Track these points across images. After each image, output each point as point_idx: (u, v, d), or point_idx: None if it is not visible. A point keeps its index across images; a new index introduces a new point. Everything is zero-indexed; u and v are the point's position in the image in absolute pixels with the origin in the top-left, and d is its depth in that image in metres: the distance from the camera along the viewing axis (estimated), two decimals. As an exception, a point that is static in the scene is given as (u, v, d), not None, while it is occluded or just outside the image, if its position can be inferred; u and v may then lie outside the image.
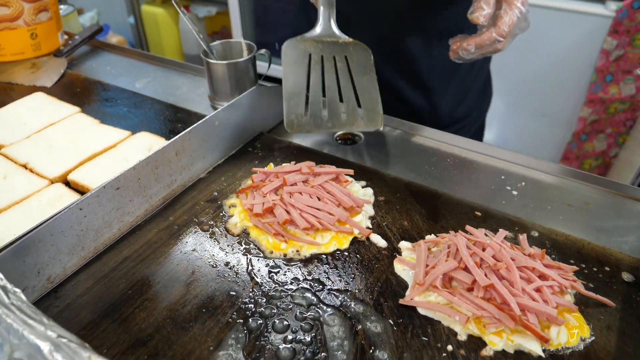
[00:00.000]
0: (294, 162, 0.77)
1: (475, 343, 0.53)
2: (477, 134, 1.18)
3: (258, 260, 0.63)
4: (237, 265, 0.62)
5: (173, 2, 0.94)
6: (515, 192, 0.75)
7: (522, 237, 0.64)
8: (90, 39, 1.26)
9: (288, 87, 0.80)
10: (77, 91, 1.07)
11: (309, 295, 0.58)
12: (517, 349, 0.52)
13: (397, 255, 0.64)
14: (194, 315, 0.56)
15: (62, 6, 1.37)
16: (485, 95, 1.16)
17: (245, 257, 0.64)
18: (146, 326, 0.55)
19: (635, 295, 0.59)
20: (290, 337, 0.53)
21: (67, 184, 0.78)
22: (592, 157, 2.13)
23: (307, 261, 0.63)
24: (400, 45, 0.98)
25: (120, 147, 0.84)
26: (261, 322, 0.55)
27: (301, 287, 0.59)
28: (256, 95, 0.85)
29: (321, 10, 0.83)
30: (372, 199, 0.73)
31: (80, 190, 0.76)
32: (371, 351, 0.52)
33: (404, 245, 0.65)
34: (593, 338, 0.54)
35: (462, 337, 0.53)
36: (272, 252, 0.64)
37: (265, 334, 0.54)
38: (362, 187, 0.75)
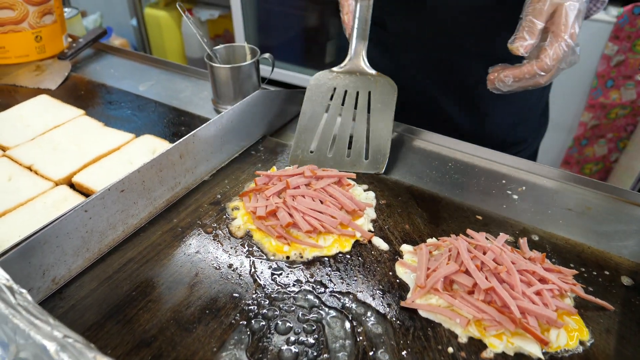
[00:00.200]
0: (296, 166, 0.78)
1: (476, 345, 0.53)
2: (530, 159, 1.13)
3: (261, 262, 0.64)
4: (240, 267, 0.63)
5: (177, 5, 0.95)
6: (516, 197, 0.76)
7: (523, 241, 0.65)
8: (94, 42, 1.27)
9: (303, 121, 0.83)
10: (81, 94, 1.08)
11: (311, 297, 0.59)
12: (517, 351, 0.53)
13: (398, 258, 0.64)
14: (198, 317, 0.56)
15: (66, 9, 1.38)
16: (542, 122, 1.11)
17: (248, 259, 0.64)
18: (150, 327, 0.55)
19: (635, 299, 0.59)
20: (292, 338, 0.54)
21: (72, 186, 0.78)
22: (593, 161, 2.14)
23: (309, 264, 0.64)
24: (456, 69, 0.96)
25: (124, 149, 0.85)
26: (264, 323, 0.56)
27: (303, 289, 0.60)
28: (259, 98, 0.86)
29: (353, 44, 0.84)
30: (374, 202, 0.74)
31: (84, 192, 0.77)
32: (372, 352, 0.52)
33: (405, 248, 0.65)
34: (592, 341, 0.54)
35: (462, 339, 0.54)
36: (274, 255, 0.65)
37: (268, 335, 0.54)
38: (364, 190, 0.76)
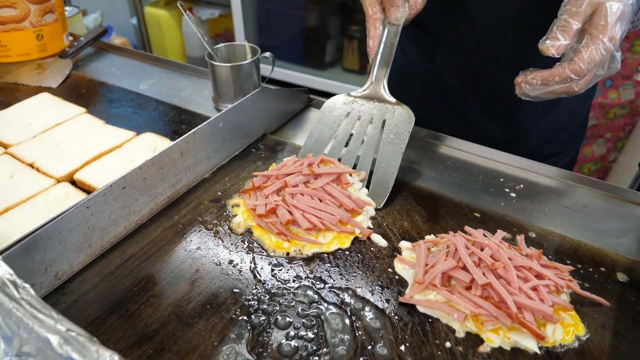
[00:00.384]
0: (295, 156, 0.78)
1: (473, 340, 0.54)
2: (566, 168, 1.10)
3: (261, 258, 0.64)
4: (241, 263, 0.64)
5: (178, 4, 0.96)
6: (513, 195, 0.77)
7: (520, 238, 0.65)
8: (95, 40, 1.28)
9: (308, 145, 0.81)
10: (82, 92, 1.09)
11: (310, 292, 0.60)
12: (514, 345, 0.53)
13: (397, 254, 0.65)
14: (199, 312, 0.57)
15: (67, 8, 1.38)
16: (582, 130, 1.05)
17: (249, 255, 0.65)
18: (152, 322, 0.56)
19: (630, 295, 0.60)
20: (292, 333, 0.55)
21: (73, 183, 0.79)
22: (591, 161, 2.15)
23: (309, 260, 0.64)
24: (490, 77, 0.92)
25: (126, 147, 0.86)
26: (264, 318, 0.56)
27: (303, 285, 0.61)
28: (260, 97, 0.86)
29: (375, 69, 0.81)
30: (372, 200, 0.74)
31: (86, 189, 0.77)
32: (371, 347, 0.53)
33: (404, 245, 0.66)
34: (588, 336, 0.55)
35: (460, 334, 0.55)
36: (274, 251, 0.65)
37: (268, 330, 0.55)
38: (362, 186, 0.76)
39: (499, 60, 0.89)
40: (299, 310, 0.57)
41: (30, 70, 1.16)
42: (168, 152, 0.72)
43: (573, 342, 0.54)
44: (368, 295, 0.59)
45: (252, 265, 0.63)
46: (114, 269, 0.63)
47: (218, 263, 0.64)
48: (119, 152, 0.84)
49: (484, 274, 0.56)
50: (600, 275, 0.63)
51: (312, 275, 0.62)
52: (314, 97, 1.02)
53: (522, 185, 0.79)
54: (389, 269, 0.63)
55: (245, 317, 0.56)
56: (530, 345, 0.53)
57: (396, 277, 0.62)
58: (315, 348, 0.53)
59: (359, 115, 0.81)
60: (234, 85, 0.95)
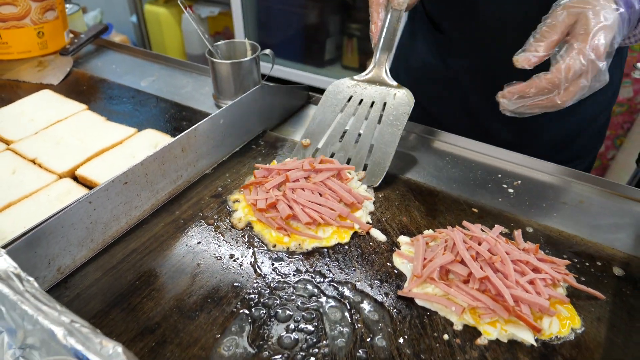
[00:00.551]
0: (296, 158, 0.79)
1: (471, 333, 0.55)
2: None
3: (262, 253, 0.65)
4: (241, 257, 0.64)
5: (179, 2, 0.96)
6: (511, 190, 0.78)
7: (517, 233, 0.66)
8: (96, 37, 1.28)
9: (312, 126, 0.83)
10: (83, 89, 1.09)
11: (310, 286, 0.60)
12: (511, 338, 0.54)
13: (396, 249, 0.66)
14: (200, 305, 0.58)
15: (67, 5, 1.39)
16: (601, 135, 1.02)
17: (249, 250, 0.66)
18: (154, 315, 0.57)
19: (625, 288, 0.61)
20: (292, 325, 0.55)
21: (75, 179, 0.80)
22: (590, 158, 2.15)
23: (309, 254, 0.65)
24: (502, 82, 0.90)
25: (127, 143, 0.87)
26: (264, 311, 0.57)
27: (303, 279, 0.61)
28: (260, 94, 0.87)
29: (378, 53, 0.83)
30: (372, 195, 0.75)
31: (88, 185, 0.78)
32: (370, 339, 0.54)
33: (402, 239, 0.67)
34: (584, 329, 0.56)
35: (458, 327, 0.56)
36: (275, 246, 0.66)
37: (269, 322, 0.56)
38: (363, 184, 0.77)
39: (511, 63, 0.88)
40: (299, 303, 0.58)
41: (31, 68, 1.16)
42: (169, 148, 0.72)
43: (569, 334, 0.55)
44: (367, 289, 0.60)
45: (253, 260, 0.64)
46: (116, 263, 0.64)
47: (219, 257, 0.64)
48: (120, 149, 0.85)
49: (481, 268, 0.57)
50: (596, 269, 0.63)
51: (311, 270, 0.63)
52: (313, 94, 1.03)
53: (519, 181, 0.79)
54: (388, 263, 0.64)
55: (246, 311, 0.57)
56: (527, 337, 0.54)
57: (395, 271, 0.63)
58: (315, 340, 0.54)
59: (361, 99, 0.83)
60: (234, 82, 0.96)
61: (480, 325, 0.55)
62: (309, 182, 0.71)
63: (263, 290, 0.60)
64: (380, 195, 0.76)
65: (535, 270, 0.58)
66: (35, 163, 0.82)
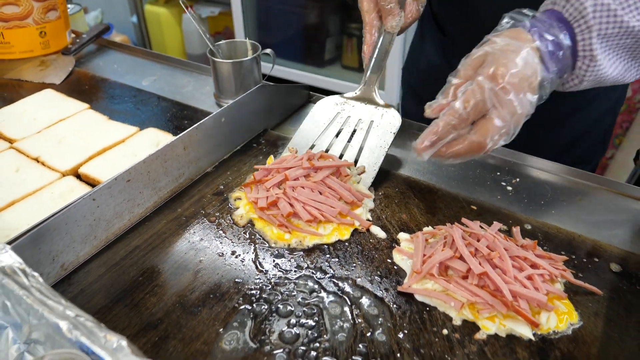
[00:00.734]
0: (295, 151, 0.80)
1: (470, 327, 0.56)
2: None
3: (263, 249, 0.66)
4: (243, 254, 0.65)
5: (180, 1, 0.97)
6: (510, 188, 0.78)
7: (516, 230, 0.67)
8: (97, 37, 1.29)
9: (297, 139, 0.84)
10: (85, 88, 1.10)
11: (311, 282, 0.61)
12: (509, 333, 0.55)
13: (396, 245, 0.66)
14: (202, 301, 0.59)
15: (69, 5, 1.39)
16: (602, 143, 1.02)
17: (251, 246, 0.66)
18: (156, 310, 0.58)
19: (622, 284, 0.61)
20: (293, 320, 0.56)
21: (78, 177, 0.80)
22: (589, 158, 2.16)
23: (309, 251, 0.66)
24: None
25: (129, 142, 0.87)
26: (266, 307, 0.58)
27: (304, 275, 0.62)
28: (260, 93, 0.88)
29: (368, 74, 0.84)
30: (372, 193, 0.76)
31: (90, 183, 0.79)
32: (370, 334, 0.55)
33: (402, 236, 0.68)
34: (581, 324, 0.56)
35: (457, 322, 0.56)
36: (276, 243, 0.67)
37: (270, 318, 0.57)
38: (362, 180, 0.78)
39: None
40: (300, 299, 0.59)
41: (33, 67, 1.17)
42: (171, 146, 0.73)
43: (567, 329, 0.56)
44: (367, 285, 0.61)
45: (254, 256, 0.65)
46: (119, 260, 0.65)
47: (221, 254, 0.65)
48: (122, 147, 0.86)
49: (480, 264, 0.58)
50: (593, 265, 0.64)
51: (312, 266, 0.63)
52: (313, 94, 1.03)
53: (518, 179, 0.80)
54: (388, 260, 0.65)
55: (247, 306, 0.58)
56: (525, 332, 0.54)
57: (395, 267, 0.64)
58: (315, 335, 0.55)
59: (348, 116, 0.84)
60: (235, 82, 0.97)
61: (479, 320, 0.56)
62: (308, 181, 0.72)
63: (264, 286, 0.61)
64: (380, 193, 0.76)
65: (533, 266, 0.59)
66: (38, 161, 0.83)
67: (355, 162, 0.80)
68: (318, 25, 2.71)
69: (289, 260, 0.64)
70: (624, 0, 0.58)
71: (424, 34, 1.08)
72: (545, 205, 0.75)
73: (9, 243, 0.55)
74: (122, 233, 0.69)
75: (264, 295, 0.59)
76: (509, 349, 0.54)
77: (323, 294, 0.59)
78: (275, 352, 0.53)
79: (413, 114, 0.97)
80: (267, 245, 0.67)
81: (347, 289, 0.60)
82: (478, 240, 0.61)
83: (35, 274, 0.50)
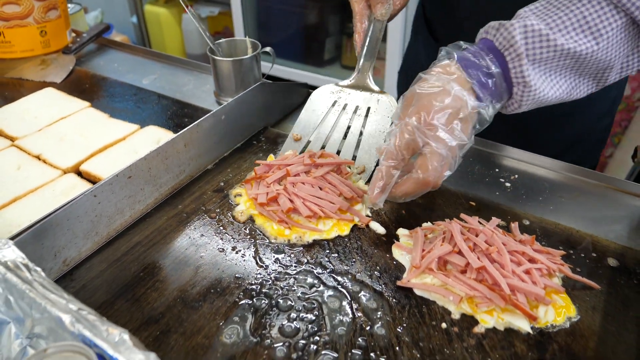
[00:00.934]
0: (295, 151, 0.81)
1: (468, 321, 0.56)
2: None
3: (263, 245, 0.66)
4: (243, 249, 0.66)
5: (180, 0, 0.97)
6: (508, 184, 0.79)
7: (514, 225, 0.67)
8: (98, 36, 1.30)
9: (297, 130, 0.85)
10: (86, 87, 1.10)
11: (311, 277, 0.62)
12: (507, 326, 0.55)
13: (395, 241, 0.67)
14: (203, 296, 0.59)
15: (69, 5, 1.40)
16: (601, 142, 1.02)
17: (251, 242, 0.67)
18: (158, 305, 0.58)
19: (620, 279, 0.62)
20: (293, 315, 0.57)
21: (79, 174, 0.81)
22: (588, 156, 2.17)
23: (309, 246, 0.66)
24: None
25: (130, 139, 0.88)
26: (266, 301, 0.58)
27: (304, 270, 0.63)
28: (260, 91, 0.88)
29: (361, 61, 0.85)
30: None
31: (92, 180, 0.79)
32: (369, 328, 0.55)
33: (401, 232, 0.68)
34: (579, 317, 0.57)
35: (455, 315, 0.57)
36: (276, 238, 0.67)
37: (270, 312, 0.57)
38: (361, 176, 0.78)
39: None
40: (300, 294, 0.59)
41: (34, 66, 1.17)
42: (172, 143, 0.73)
43: (564, 322, 0.56)
44: (367, 280, 0.61)
45: (255, 252, 0.65)
46: (121, 256, 0.65)
47: (221, 250, 0.66)
48: (123, 145, 0.86)
49: (478, 258, 0.58)
50: (591, 260, 0.65)
51: (312, 261, 0.64)
52: (313, 92, 1.04)
53: (516, 176, 0.81)
54: (387, 255, 0.65)
55: (248, 301, 0.59)
56: (523, 325, 0.55)
57: (394, 262, 0.64)
58: (315, 329, 0.55)
59: (345, 104, 0.85)
60: (235, 80, 0.97)
61: (477, 314, 0.56)
62: (309, 177, 0.73)
63: (265, 281, 0.61)
64: (379, 190, 0.77)
65: (531, 260, 0.60)
66: (40, 159, 0.83)
67: (358, 145, 0.81)
68: (318, 25, 2.71)
69: (289, 256, 0.65)
70: (555, 25, 0.60)
71: (418, 39, 1.08)
72: (543, 201, 0.75)
73: (12, 238, 0.56)
74: (124, 229, 0.69)
75: (264, 290, 0.60)
76: (507, 343, 0.54)
77: (323, 289, 0.60)
78: (275, 345, 0.53)
79: None
80: (267, 240, 0.67)
81: (347, 283, 0.61)
82: (476, 236, 0.62)
83: (38, 268, 0.51)
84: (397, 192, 0.64)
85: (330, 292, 0.60)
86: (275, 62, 1.05)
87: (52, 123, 0.93)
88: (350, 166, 0.78)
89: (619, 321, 0.57)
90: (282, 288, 0.60)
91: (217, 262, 0.64)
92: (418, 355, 0.53)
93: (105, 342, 0.43)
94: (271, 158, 0.83)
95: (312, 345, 0.53)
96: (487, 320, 0.56)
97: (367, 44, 0.84)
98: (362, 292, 0.60)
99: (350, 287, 0.60)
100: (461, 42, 0.67)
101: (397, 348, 0.53)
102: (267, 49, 1.01)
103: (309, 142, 0.84)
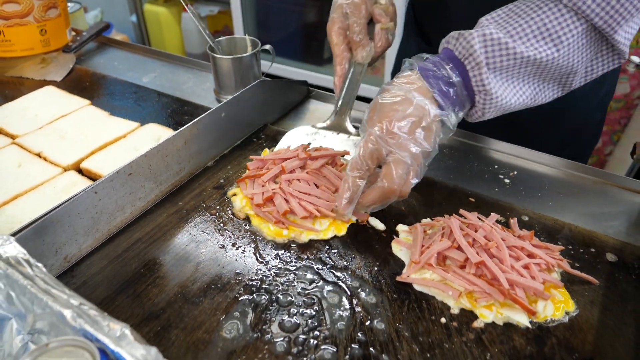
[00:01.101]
0: (289, 146, 0.80)
1: (467, 316, 0.57)
2: None
3: (263, 241, 0.67)
4: (244, 246, 0.66)
5: (180, -1, 0.98)
6: (507, 181, 0.79)
7: (513, 221, 0.68)
8: (98, 35, 1.30)
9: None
10: (86, 85, 1.11)
11: (310, 273, 0.62)
12: (506, 321, 0.56)
13: (394, 237, 0.67)
14: (204, 291, 0.59)
15: (69, 4, 1.40)
16: (594, 137, 1.03)
17: (251, 238, 0.67)
18: (158, 301, 0.58)
19: (618, 274, 0.62)
20: (293, 310, 0.57)
21: (80, 171, 0.81)
22: (588, 154, 2.17)
23: (309, 243, 0.67)
24: None
25: (130, 137, 0.88)
26: (266, 297, 0.59)
27: (304, 266, 0.63)
28: (260, 88, 0.88)
29: (339, 104, 0.84)
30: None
31: (92, 177, 0.79)
32: (369, 322, 0.55)
33: (401, 227, 0.68)
34: (577, 312, 0.57)
35: (455, 310, 0.57)
36: (274, 239, 0.67)
37: (270, 307, 0.57)
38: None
39: None
40: (300, 289, 0.60)
41: (34, 65, 1.18)
42: (172, 140, 0.74)
43: (563, 317, 0.56)
44: (366, 275, 0.62)
45: (255, 248, 0.66)
46: (121, 252, 0.65)
47: (222, 246, 0.66)
48: (123, 142, 0.87)
49: (477, 254, 0.59)
50: (590, 255, 0.65)
51: (312, 257, 0.64)
52: (312, 89, 1.04)
53: (515, 172, 0.81)
54: (387, 251, 0.65)
55: (248, 296, 0.59)
56: (522, 320, 0.55)
57: (393, 258, 0.64)
58: (315, 324, 0.55)
59: (320, 146, 0.82)
60: (235, 77, 0.97)
61: (476, 309, 0.57)
62: (304, 172, 0.72)
63: (265, 277, 0.61)
64: (379, 186, 0.77)
65: (530, 255, 0.60)
66: (40, 157, 0.84)
67: None
68: (317, 23, 2.71)
69: (289, 252, 0.65)
70: (516, 33, 0.60)
71: (410, 42, 1.08)
72: (542, 197, 0.76)
73: (13, 235, 0.56)
74: (124, 226, 0.69)
75: (264, 286, 0.60)
76: (506, 337, 0.54)
77: (323, 284, 0.60)
78: (275, 340, 0.54)
79: None
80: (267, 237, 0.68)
81: (347, 279, 0.61)
82: (476, 231, 0.62)
83: (39, 264, 0.51)
84: (363, 202, 0.64)
85: (330, 288, 0.60)
86: (275, 61, 1.06)
87: (52, 121, 0.93)
88: (343, 157, 0.78)
89: (617, 315, 0.57)
90: (282, 284, 0.60)
91: (218, 258, 0.64)
92: (417, 350, 0.53)
93: (107, 336, 0.43)
94: (266, 152, 0.82)
95: (312, 340, 0.54)
96: (486, 314, 0.56)
97: (346, 86, 0.83)
98: (362, 288, 0.60)
99: (350, 283, 0.61)
100: (424, 54, 0.67)
101: (397, 343, 0.54)
102: (267, 46, 1.01)
103: None
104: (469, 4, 0.86)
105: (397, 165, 0.61)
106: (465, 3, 0.86)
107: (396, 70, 1.17)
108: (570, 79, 0.65)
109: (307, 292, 0.59)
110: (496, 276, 0.56)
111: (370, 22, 0.83)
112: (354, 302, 0.58)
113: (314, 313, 0.57)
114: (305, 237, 0.67)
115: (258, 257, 0.64)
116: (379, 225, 0.69)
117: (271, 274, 0.62)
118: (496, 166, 0.82)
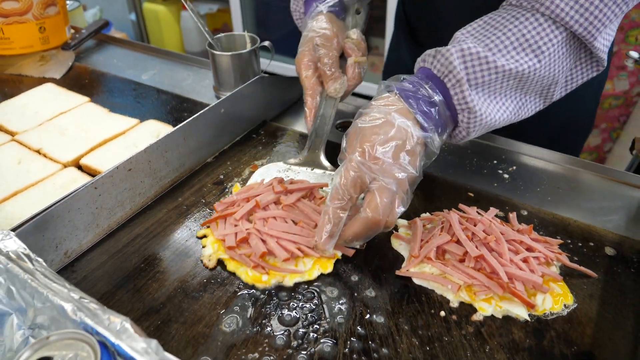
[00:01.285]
0: (263, 180, 0.74)
1: (466, 309, 0.57)
2: None
3: (263, 236, 0.67)
4: (243, 241, 0.66)
5: (179, -5, 0.98)
6: (506, 176, 0.79)
7: (512, 215, 0.68)
8: (97, 33, 1.30)
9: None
10: (85, 83, 1.11)
11: (311, 267, 0.62)
12: (505, 314, 0.56)
13: (394, 231, 0.67)
14: (203, 286, 0.60)
15: (68, 1, 1.40)
16: (585, 131, 1.01)
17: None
18: (158, 296, 0.59)
19: (617, 267, 0.63)
20: (293, 304, 0.57)
21: (80, 168, 0.81)
22: (587, 151, 2.18)
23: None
24: None
25: (130, 134, 0.88)
26: (266, 291, 0.59)
27: (304, 260, 0.63)
28: (259, 84, 0.88)
29: (313, 137, 0.81)
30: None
31: (92, 174, 0.80)
32: (368, 316, 0.56)
33: (400, 222, 0.69)
34: (576, 305, 0.57)
35: (454, 304, 0.57)
36: (254, 286, 0.59)
37: (270, 302, 0.57)
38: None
39: None
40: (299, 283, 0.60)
41: (34, 62, 1.18)
42: (172, 136, 0.74)
43: (562, 310, 0.57)
44: (366, 269, 0.62)
45: (254, 243, 0.66)
46: (121, 248, 0.66)
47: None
48: (123, 139, 0.87)
49: (476, 247, 0.59)
50: (589, 249, 0.65)
51: (312, 252, 0.64)
52: (312, 86, 1.04)
53: (514, 167, 0.81)
54: (386, 245, 0.66)
55: (248, 291, 0.59)
56: (521, 313, 0.55)
57: (393, 252, 0.65)
58: (315, 318, 0.56)
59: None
60: (234, 74, 0.98)
61: (475, 302, 0.57)
62: (279, 208, 0.66)
63: (265, 272, 0.61)
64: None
65: (529, 249, 0.60)
66: (40, 153, 0.84)
67: None
68: (316, 21, 2.71)
69: (289, 247, 0.65)
70: (494, 46, 0.59)
71: (400, 43, 1.07)
72: (541, 192, 0.76)
73: (13, 230, 0.56)
74: (124, 221, 0.70)
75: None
76: (505, 330, 0.55)
77: (322, 279, 0.60)
78: (275, 334, 0.54)
79: None
80: (267, 232, 0.68)
81: (346, 273, 0.61)
82: (475, 225, 0.62)
83: (40, 259, 0.51)
84: (346, 235, 0.58)
85: (330, 281, 0.60)
86: (274, 59, 1.06)
87: (52, 118, 0.93)
88: (323, 189, 0.72)
89: (615, 308, 0.57)
90: (282, 278, 0.60)
91: (217, 253, 0.64)
92: (417, 343, 0.53)
93: (107, 330, 0.43)
94: (237, 188, 0.75)
95: (312, 334, 0.54)
96: (485, 308, 0.56)
97: (319, 121, 0.80)
98: (361, 282, 0.60)
99: (349, 277, 0.61)
100: (401, 75, 0.64)
101: (397, 336, 0.54)
102: (266, 43, 1.01)
103: None
104: (458, 4, 0.85)
105: (381, 193, 0.56)
106: (455, 3, 0.86)
107: (388, 71, 1.17)
108: (551, 89, 0.63)
109: (306, 286, 0.59)
110: (495, 270, 0.56)
111: (341, 57, 0.81)
112: (354, 295, 0.58)
113: (313, 307, 0.57)
114: (289, 281, 0.60)
115: (258, 252, 0.64)
116: (379, 220, 0.69)
117: (271, 269, 0.62)
118: (495, 161, 0.83)
